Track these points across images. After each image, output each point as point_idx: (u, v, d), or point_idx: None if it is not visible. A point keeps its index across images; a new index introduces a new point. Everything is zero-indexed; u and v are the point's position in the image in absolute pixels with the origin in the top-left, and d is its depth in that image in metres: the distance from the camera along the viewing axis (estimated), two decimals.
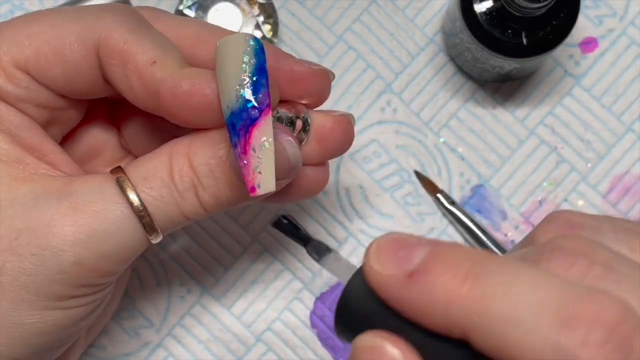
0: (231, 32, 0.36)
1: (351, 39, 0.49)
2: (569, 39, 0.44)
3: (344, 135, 0.37)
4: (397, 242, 0.26)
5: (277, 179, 0.32)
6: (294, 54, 0.49)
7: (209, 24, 0.37)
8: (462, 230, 0.47)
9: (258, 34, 0.48)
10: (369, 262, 0.26)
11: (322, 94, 0.37)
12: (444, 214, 0.48)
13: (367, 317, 0.27)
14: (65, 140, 0.38)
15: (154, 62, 0.33)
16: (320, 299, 0.48)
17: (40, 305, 0.33)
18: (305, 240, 0.36)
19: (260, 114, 0.32)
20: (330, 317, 0.47)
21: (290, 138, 0.34)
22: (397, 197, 0.48)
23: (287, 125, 0.35)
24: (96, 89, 0.35)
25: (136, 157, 0.40)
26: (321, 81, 0.36)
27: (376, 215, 0.48)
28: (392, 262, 0.26)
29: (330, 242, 0.48)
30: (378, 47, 0.49)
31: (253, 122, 0.32)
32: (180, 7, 0.47)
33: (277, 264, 0.48)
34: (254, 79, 0.32)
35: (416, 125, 0.49)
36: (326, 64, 0.49)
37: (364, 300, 0.27)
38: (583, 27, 0.50)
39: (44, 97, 0.34)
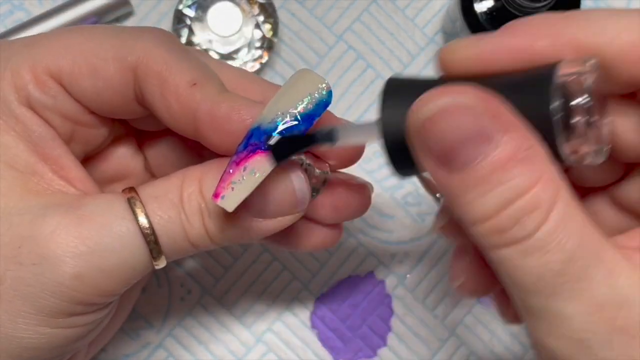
0: (273, 86, 0.36)
1: (351, 39, 0.49)
2: None
3: (359, 205, 0.38)
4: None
5: (282, 213, 0.33)
6: (294, 54, 0.49)
7: (249, 72, 0.37)
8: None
9: (258, 34, 0.48)
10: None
11: (352, 160, 0.37)
12: None
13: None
14: (90, 161, 0.37)
15: (194, 83, 0.33)
16: (320, 299, 0.47)
17: (36, 321, 0.32)
18: (310, 140, 0.32)
19: None
20: (330, 317, 0.47)
21: (300, 174, 0.34)
22: (397, 197, 0.48)
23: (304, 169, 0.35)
24: (125, 107, 0.35)
25: None
26: (354, 150, 0.37)
27: (376, 215, 0.48)
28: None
29: None
30: (378, 47, 0.49)
31: (264, 149, 0.32)
32: (180, 7, 0.47)
33: (277, 264, 0.48)
34: (297, 120, 0.32)
35: None
36: (326, 64, 0.49)
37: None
38: None
39: (71, 108, 0.34)
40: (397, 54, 0.49)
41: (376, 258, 0.48)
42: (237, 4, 0.47)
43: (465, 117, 0.25)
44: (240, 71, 0.37)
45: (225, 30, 0.47)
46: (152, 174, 0.40)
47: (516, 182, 0.25)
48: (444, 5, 0.50)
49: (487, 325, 0.47)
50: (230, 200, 0.31)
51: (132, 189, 0.33)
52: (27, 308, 0.32)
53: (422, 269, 0.48)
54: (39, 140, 0.33)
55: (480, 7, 0.44)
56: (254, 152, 0.32)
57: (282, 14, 0.49)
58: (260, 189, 0.32)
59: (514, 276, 0.26)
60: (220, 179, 0.32)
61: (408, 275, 0.48)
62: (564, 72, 0.27)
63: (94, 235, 0.32)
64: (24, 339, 0.32)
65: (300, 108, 0.32)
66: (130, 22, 0.49)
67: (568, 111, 0.26)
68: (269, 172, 0.32)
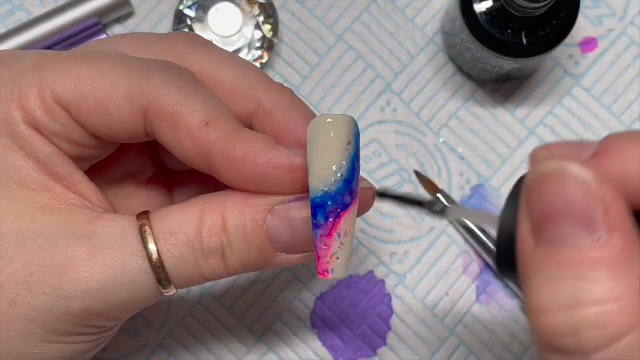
0: (275, 84, 0.36)
1: (351, 39, 0.49)
2: (569, 39, 0.44)
3: (362, 206, 0.36)
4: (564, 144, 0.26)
5: (307, 250, 0.33)
6: (294, 54, 0.49)
7: (249, 66, 0.36)
8: (462, 230, 0.47)
9: (258, 34, 0.48)
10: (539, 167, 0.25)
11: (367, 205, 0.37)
12: None
13: None
14: (98, 167, 0.37)
15: (207, 122, 0.32)
16: (320, 298, 0.48)
17: (47, 339, 0.33)
18: (418, 202, 0.33)
19: (352, 201, 0.32)
20: (330, 317, 0.47)
21: None
22: None
23: None
24: (135, 138, 0.34)
25: (171, 170, 0.40)
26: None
27: (376, 215, 0.48)
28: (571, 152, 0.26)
29: None
30: (378, 47, 0.49)
31: (346, 207, 0.32)
32: (181, 7, 0.47)
33: None
34: (354, 165, 0.32)
35: (416, 125, 0.49)
36: (326, 64, 0.49)
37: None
38: (583, 27, 0.50)
39: (79, 136, 0.34)
40: (397, 54, 0.49)
41: (376, 258, 0.48)
42: (238, 5, 0.47)
43: (576, 192, 0.23)
44: (240, 70, 0.36)
45: (226, 31, 0.47)
46: (160, 166, 0.40)
47: (594, 286, 0.22)
48: (444, 5, 0.50)
49: (486, 325, 0.47)
50: (340, 270, 0.32)
51: (145, 215, 0.33)
52: (37, 329, 0.32)
53: (422, 269, 0.48)
54: (48, 160, 0.33)
55: (480, 8, 0.44)
56: (339, 216, 0.32)
57: (282, 14, 0.49)
58: (289, 227, 0.33)
59: None
60: (318, 258, 0.32)
61: (408, 275, 0.48)
62: None
63: (105, 271, 0.32)
64: (35, 355, 0.33)
65: (349, 155, 0.32)
66: (130, 23, 0.49)
67: None
68: (355, 222, 0.32)
